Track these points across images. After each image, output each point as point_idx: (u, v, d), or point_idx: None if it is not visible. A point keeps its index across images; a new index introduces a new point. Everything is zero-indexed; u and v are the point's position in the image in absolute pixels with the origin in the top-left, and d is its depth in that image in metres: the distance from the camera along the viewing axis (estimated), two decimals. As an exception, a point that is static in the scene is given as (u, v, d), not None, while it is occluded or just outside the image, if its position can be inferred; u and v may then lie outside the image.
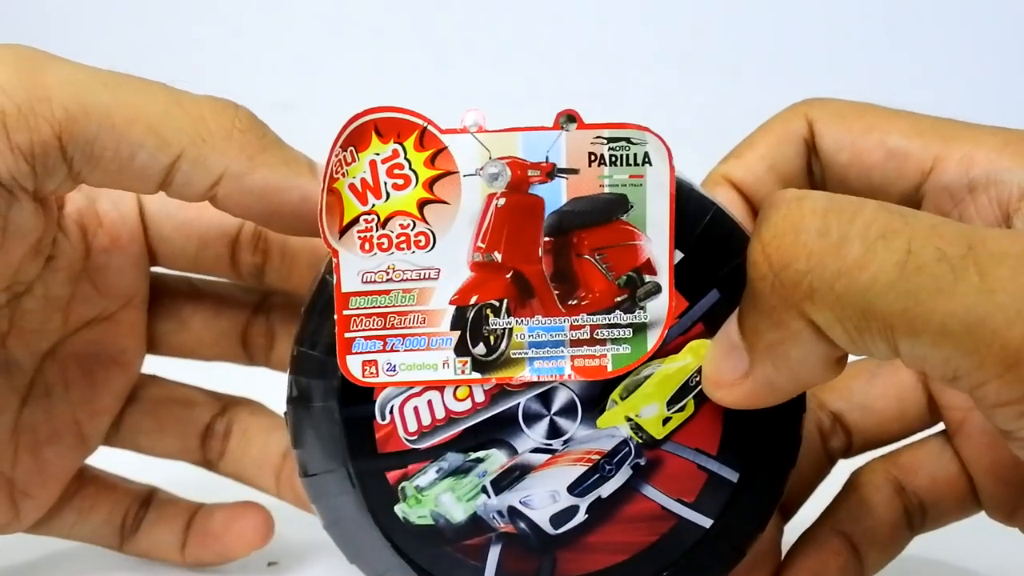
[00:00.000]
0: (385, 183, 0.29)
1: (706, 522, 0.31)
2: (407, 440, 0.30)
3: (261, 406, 0.39)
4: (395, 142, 0.29)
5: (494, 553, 0.31)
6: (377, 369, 0.30)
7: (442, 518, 0.31)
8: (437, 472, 0.30)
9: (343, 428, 0.30)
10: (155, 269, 0.37)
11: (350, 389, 0.30)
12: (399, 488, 0.30)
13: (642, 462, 0.31)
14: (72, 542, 0.38)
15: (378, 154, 0.29)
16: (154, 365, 0.39)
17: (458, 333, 0.29)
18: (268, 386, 0.38)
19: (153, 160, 0.29)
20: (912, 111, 0.33)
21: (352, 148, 0.28)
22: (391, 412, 0.30)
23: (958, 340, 0.24)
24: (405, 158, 0.29)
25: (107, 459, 0.38)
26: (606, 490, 0.31)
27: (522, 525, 0.31)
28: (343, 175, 0.29)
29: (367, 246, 0.29)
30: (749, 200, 0.33)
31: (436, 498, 0.30)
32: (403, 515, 0.30)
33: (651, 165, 0.29)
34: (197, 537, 0.38)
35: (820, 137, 0.33)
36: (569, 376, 0.30)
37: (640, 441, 0.30)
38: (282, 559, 0.40)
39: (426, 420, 0.30)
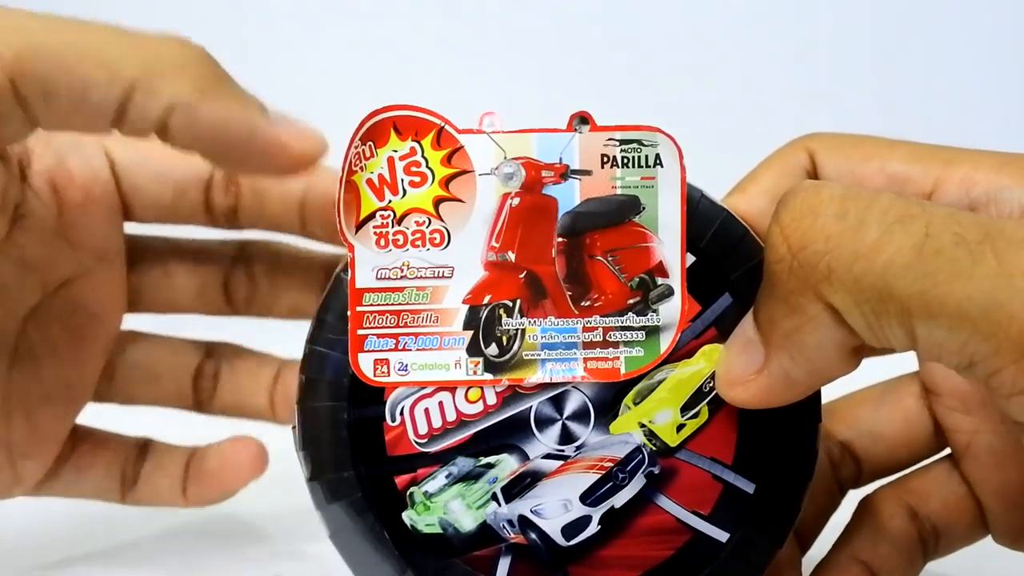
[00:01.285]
0: (402, 180, 0.29)
1: (722, 536, 0.30)
2: (417, 443, 0.30)
3: (245, 347, 0.40)
4: (413, 140, 0.29)
5: (504, 566, 0.30)
6: (389, 368, 0.29)
7: (451, 526, 0.30)
8: (447, 477, 0.30)
9: (351, 430, 0.30)
10: (132, 229, 0.38)
11: (360, 389, 0.29)
12: (407, 494, 0.30)
13: (656, 471, 0.30)
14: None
15: (396, 151, 0.29)
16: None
17: (471, 333, 0.29)
18: (249, 340, 0.39)
19: (106, 93, 0.29)
20: (911, 140, 0.34)
21: (371, 143, 0.29)
22: (401, 413, 0.30)
23: (975, 324, 0.24)
24: (422, 156, 0.29)
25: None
26: (619, 500, 0.30)
27: (533, 536, 0.30)
28: (362, 168, 0.29)
29: (383, 242, 0.29)
30: (755, 233, 0.34)
31: (445, 505, 0.30)
32: (411, 522, 0.30)
33: (662, 166, 0.29)
34: (195, 478, 0.39)
35: (822, 168, 0.34)
36: (582, 378, 0.30)
37: (654, 448, 0.30)
38: (286, 571, 0.39)
39: (437, 423, 0.30)
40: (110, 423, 0.40)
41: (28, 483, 0.36)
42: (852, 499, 0.36)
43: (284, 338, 0.39)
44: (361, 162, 0.29)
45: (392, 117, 0.29)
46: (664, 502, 0.30)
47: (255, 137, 0.31)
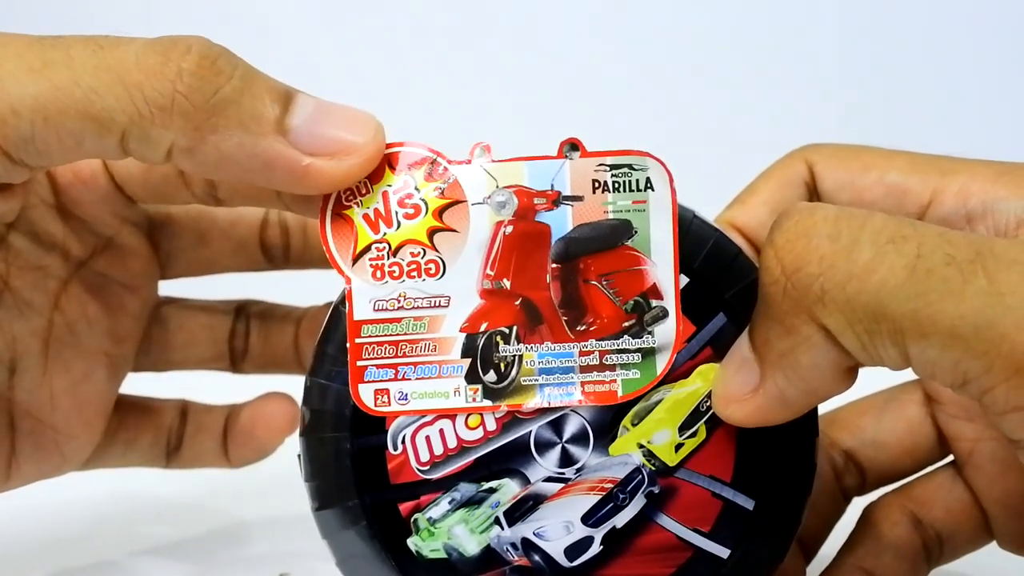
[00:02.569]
0: (396, 212, 0.30)
1: (723, 552, 0.30)
2: (419, 470, 0.30)
3: (271, 303, 0.40)
4: (406, 173, 0.30)
5: (508, 587, 0.30)
6: (389, 398, 0.30)
7: (455, 551, 0.30)
8: (450, 503, 0.30)
9: (355, 459, 0.30)
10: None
11: (362, 419, 0.30)
12: (412, 520, 0.30)
13: (656, 490, 0.30)
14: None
15: (390, 185, 0.30)
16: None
17: (468, 361, 0.30)
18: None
19: (99, 143, 0.27)
20: (909, 150, 0.34)
21: (367, 180, 0.29)
22: (403, 442, 0.30)
23: (967, 343, 0.24)
24: (415, 188, 0.30)
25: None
26: (620, 520, 0.30)
27: (536, 558, 0.30)
28: (358, 204, 0.29)
29: (379, 274, 0.30)
30: (754, 244, 0.34)
31: (449, 530, 0.30)
32: (416, 548, 0.30)
33: (653, 190, 0.29)
34: (234, 439, 0.39)
35: (821, 179, 0.34)
36: (580, 401, 0.30)
37: (653, 468, 0.30)
38: (293, 569, 0.39)
39: (438, 450, 0.30)
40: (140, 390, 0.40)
41: (77, 461, 0.36)
42: (857, 506, 0.36)
43: (305, 293, 0.39)
44: (356, 197, 0.30)
45: (385, 155, 0.29)
46: (665, 521, 0.30)
47: (272, 165, 0.28)
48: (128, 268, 0.37)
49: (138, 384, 0.39)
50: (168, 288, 0.40)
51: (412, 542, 0.30)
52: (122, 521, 0.43)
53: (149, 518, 0.43)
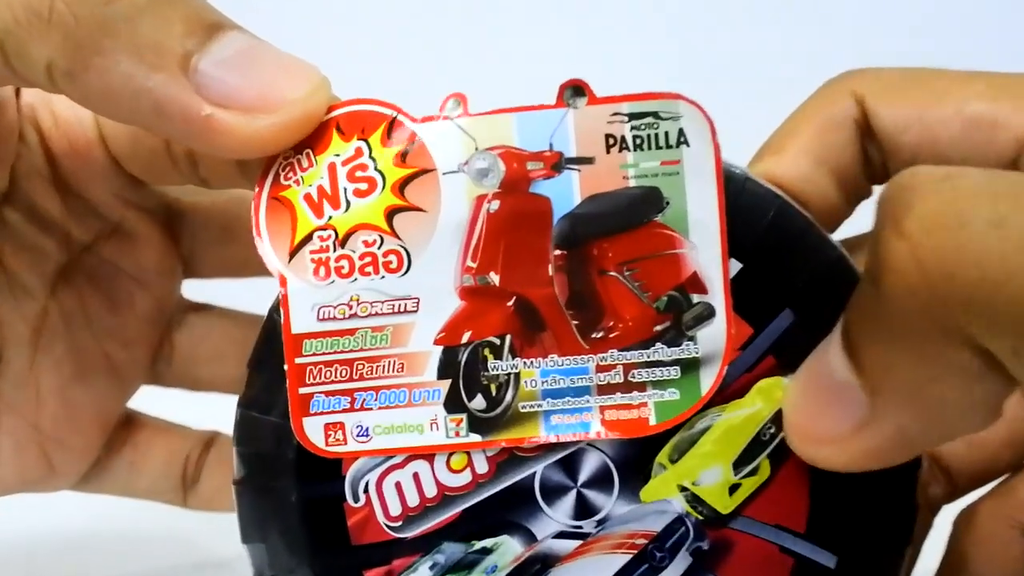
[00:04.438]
0: (344, 189, 0.22)
1: None
2: (389, 527, 0.23)
3: None
4: (359, 138, 0.22)
5: None
6: (344, 434, 0.23)
7: (441, 632, 0.23)
8: (431, 569, 0.23)
9: (304, 515, 0.23)
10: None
11: (310, 462, 0.23)
12: (382, 592, 0.23)
13: (704, 546, 0.23)
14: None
15: (338, 155, 0.22)
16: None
17: (448, 383, 0.22)
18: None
19: None
20: (982, 70, 0.26)
21: (308, 150, 0.22)
22: (366, 491, 0.23)
23: None
24: (370, 156, 0.22)
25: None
26: (658, 587, 0.23)
27: (547, 640, 0.23)
28: (297, 182, 0.22)
29: (322, 271, 0.22)
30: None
31: (432, 605, 0.23)
32: None
33: (688, 145, 0.22)
34: None
35: (876, 117, 0.27)
36: (598, 434, 0.22)
37: (700, 518, 0.23)
38: None
39: (413, 500, 0.23)
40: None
41: (67, 475, 0.32)
42: (946, 514, 0.28)
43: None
44: (296, 174, 0.22)
45: (334, 118, 0.22)
46: None
47: (163, 110, 0.22)
48: (138, 260, 0.32)
49: (169, 406, 0.34)
50: (201, 293, 0.34)
51: None
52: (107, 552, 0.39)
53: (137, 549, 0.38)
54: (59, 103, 0.30)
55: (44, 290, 0.31)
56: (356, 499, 0.23)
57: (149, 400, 0.34)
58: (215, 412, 0.33)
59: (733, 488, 0.23)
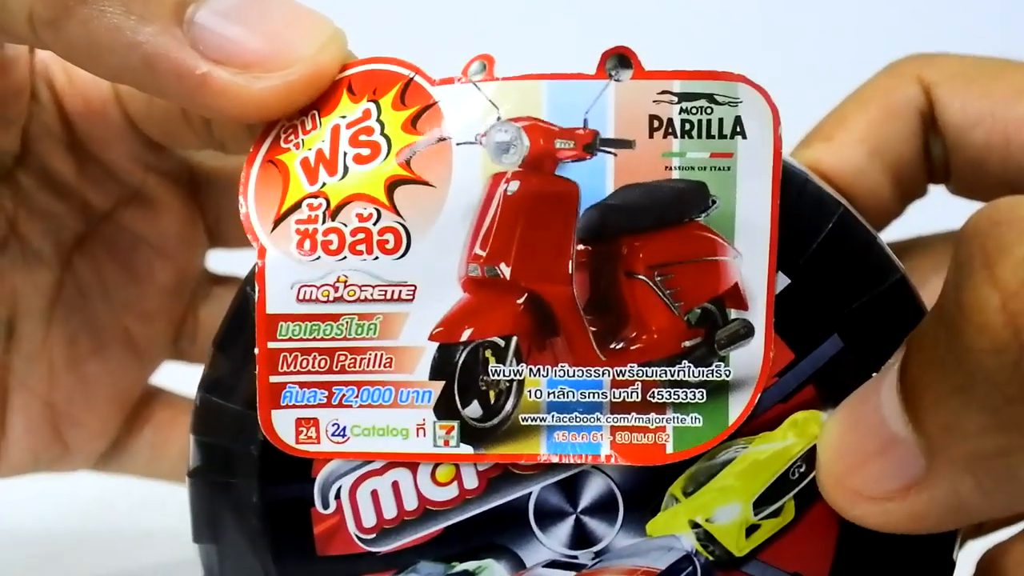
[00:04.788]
0: (345, 154, 0.19)
1: None
2: (360, 539, 0.20)
3: None
4: (369, 99, 0.19)
5: None
6: (318, 432, 0.20)
7: (410, 660, 0.21)
8: (404, 590, 0.20)
9: (265, 517, 0.20)
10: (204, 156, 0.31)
11: (277, 460, 0.20)
12: (346, 611, 0.20)
13: (712, 592, 0.20)
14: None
15: (344, 116, 0.19)
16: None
17: (441, 384, 0.20)
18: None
19: None
20: None
21: (315, 111, 0.19)
22: (338, 497, 0.20)
23: None
24: (377, 119, 0.19)
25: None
26: (657, 632, 0.20)
27: (529, 678, 0.21)
28: (297, 146, 0.19)
29: (307, 244, 0.19)
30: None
31: (401, 630, 0.20)
32: None
33: (745, 137, 0.19)
34: None
35: (943, 108, 0.24)
36: (607, 458, 0.20)
37: (710, 558, 0.20)
38: None
39: (390, 512, 0.20)
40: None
41: (83, 454, 0.30)
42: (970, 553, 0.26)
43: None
44: (298, 137, 0.19)
45: (346, 77, 0.19)
46: None
47: (154, 65, 0.20)
48: (160, 228, 0.29)
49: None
50: (229, 265, 0.32)
51: None
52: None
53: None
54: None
55: (59, 259, 0.29)
56: (326, 505, 0.20)
57: (175, 378, 0.31)
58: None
59: (751, 529, 0.20)
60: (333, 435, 0.20)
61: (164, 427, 0.31)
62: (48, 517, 0.37)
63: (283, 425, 0.20)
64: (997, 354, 0.16)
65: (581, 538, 0.20)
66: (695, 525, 0.20)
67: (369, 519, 0.20)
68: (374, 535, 0.20)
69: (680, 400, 0.20)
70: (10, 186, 0.28)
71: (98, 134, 0.29)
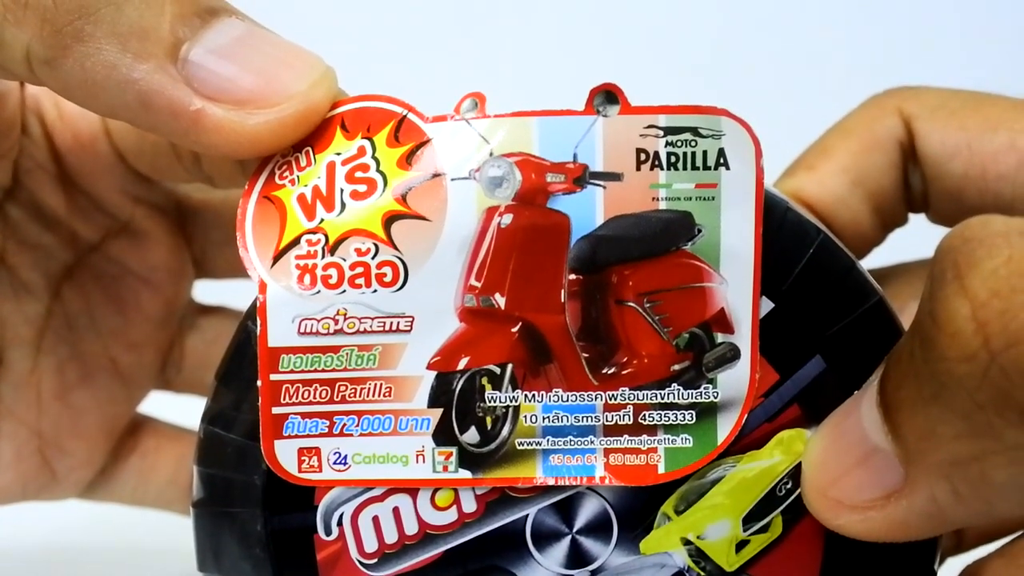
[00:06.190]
0: (341, 191, 0.20)
1: None
2: (363, 564, 0.21)
3: None
4: (363, 137, 0.20)
5: None
6: (320, 461, 0.20)
7: None
8: (405, 613, 0.21)
9: (269, 547, 0.21)
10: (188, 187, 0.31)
11: (280, 490, 0.20)
12: (350, 635, 0.21)
13: (705, 605, 0.21)
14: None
15: (339, 153, 0.20)
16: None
17: (439, 412, 0.20)
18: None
19: None
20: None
21: (308, 148, 0.20)
22: (340, 524, 0.21)
23: None
24: (372, 156, 0.20)
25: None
26: (652, 647, 0.21)
27: None
28: (292, 182, 0.20)
29: (307, 279, 0.20)
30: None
31: (403, 652, 0.21)
32: None
33: (728, 168, 0.19)
34: None
35: (922, 139, 0.25)
36: (602, 479, 0.20)
37: (702, 574, 0.21)
38: None
39: (391, 537, 0.21)
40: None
41: (72, 484, 0.30)
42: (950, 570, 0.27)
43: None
44: (292, 173, 0.20)
45: (339, 115, 0.19)
46: None
47: (149, 103, 0.20)
48: (147, 259, 0.30)
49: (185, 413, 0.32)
50: (215, 295, 0.32)
51: None
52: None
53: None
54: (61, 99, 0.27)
55: (48, 290, 0.29)
56: (328, 532, 0.21)
57: (163, 406, 0.32)
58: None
59: (740, 544, 0.21)
60: (335, 463, 0.20)
61: (150, 455, 0.31)
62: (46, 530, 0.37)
63: (286, 455, 0.20)
64: (968, 361, 0.17)
65: (577, 558, 0.21)
66: (687, 542, 0.21)
67: (371, 544, 0.21)
68: (376, 560, 0.21)
69: (670, 422, 0.20)
70: (3, 214, 0.28)
71: (88, 168, 0.29)
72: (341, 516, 0.21)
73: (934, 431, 0.18)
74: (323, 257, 0.20)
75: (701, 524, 0.21)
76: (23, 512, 0.31)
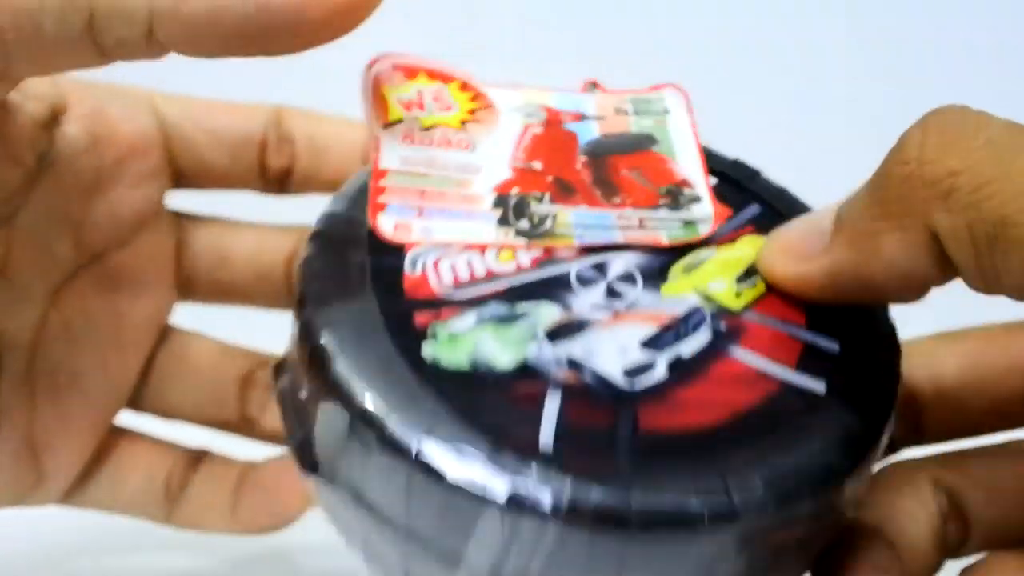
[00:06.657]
0: (429, 105, 0.30)
1: (820, 387, 0.24)
2: (440, 290, 0.25)
3: None
4: (441, 82, 0.31)
5: (553, 401, 0.23)
6: (411, 232, 0.27)
7: (483, 364, 0.24)
8: (477, 318, 0.25)
9: (366, 270, 0.25)
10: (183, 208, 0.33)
11: (378, 242, 0.26)
12: (429, 329, 0.24)
13: (722, 328, 0.25)
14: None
15: (424, 86, 0.30)
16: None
17: (500, 211, 0.28)
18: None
19: (63, 25, 0.22)
20: None
21: (401, 73, 0.31)
22: (423, 267, 0.26)
23: None
24: (448, 93, 0.31)
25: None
26: (686, 349, 0.25)
27: (587, 377, 0.24)
28: (390, 89, 0.30)
29: (409, 140, 0.29)
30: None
31: (475, 343, 0.24)
32: (432, 359, 0.24)
33: (669, 113, 0.31)
34: (247, 495, 0.33)
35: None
36: (622, 240, 0.27)
37: (715, 310, 0.26)
38: None
39: (464, 276, 0.26)
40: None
41: (58, 484, 0.31)
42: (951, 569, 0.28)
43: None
44: (391, 84, 0.31)
45: (423, 67, 0.32)
46: (740, 354, 0.25)
47: (266, 8, 0.22)
48: (142, 269, 0.33)
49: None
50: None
51: (427, 350, 0.24)
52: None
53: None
54: (115, 111, 0.31)
55: (47, 296, 0.31)
56: (414, 269, 0.26)
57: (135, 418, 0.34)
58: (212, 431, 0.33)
59: (739, 293, 0.26)
60: (422, 232, 0.27)
61: (124, 460, 0.32)
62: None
63: (385, 223, 0.27)
64: (902, 164, 0.22)
65: (614, 296, 0.26)
66: (698, 291, 0.26)
67: (448, 279, 0.26)
68: (452, 288, 0.25)
69: (665, 226, 0.28)
70: (11, 223, 0.29)
71: (125, 180, 0.31)
72: (425, 262, 0.26)
73: (861, 212, 0.23)
74: (419, 132, 0.29)
75: (705, 281, 0.27)
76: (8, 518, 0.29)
